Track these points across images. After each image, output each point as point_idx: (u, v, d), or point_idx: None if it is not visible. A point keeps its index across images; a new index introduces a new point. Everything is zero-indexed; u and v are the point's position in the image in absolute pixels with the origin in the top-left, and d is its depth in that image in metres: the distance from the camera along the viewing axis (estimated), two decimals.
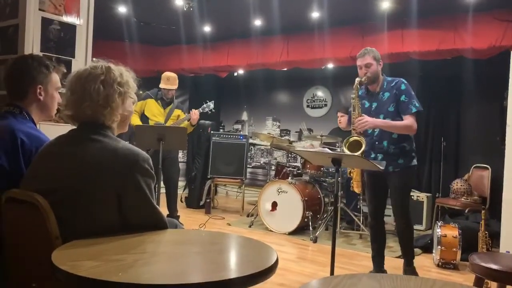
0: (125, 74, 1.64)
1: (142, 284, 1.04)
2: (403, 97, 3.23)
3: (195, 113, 4.75)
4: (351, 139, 3.24)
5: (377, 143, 3.33)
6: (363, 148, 3.16)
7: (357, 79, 3.29)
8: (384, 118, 3.28)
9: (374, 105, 3.35)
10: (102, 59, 1.64)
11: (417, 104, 3.22)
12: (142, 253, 1.31)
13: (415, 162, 3.34)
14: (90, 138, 1.52)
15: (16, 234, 1.48)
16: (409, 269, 3.39)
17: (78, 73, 1.60)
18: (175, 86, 4.94)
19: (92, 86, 1.54)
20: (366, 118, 3.21)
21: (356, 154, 3.06)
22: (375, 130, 3.33)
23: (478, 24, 4.72)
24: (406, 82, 3.29)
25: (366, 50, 3.32)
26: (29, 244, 1.44)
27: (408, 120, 3.20)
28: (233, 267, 1.33)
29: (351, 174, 3.57)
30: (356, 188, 3.54)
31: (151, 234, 1.49)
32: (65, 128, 1.69)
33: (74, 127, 1.62)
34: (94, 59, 2.86)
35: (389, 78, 3.35)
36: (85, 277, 1.07)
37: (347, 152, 3.16)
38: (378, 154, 3.33)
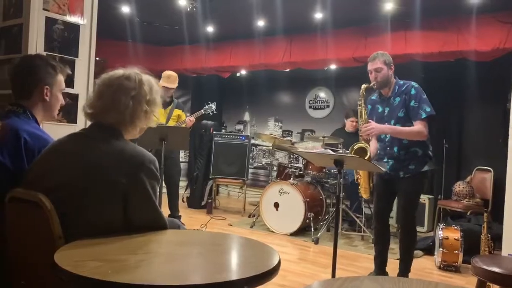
0: (154, 90, 1.65)
1: (146, 285, 1.04)
2: (412, 102, 3.14)
3: (191, 120, 4.80)
4: (356, 147, 3.22)
5: (388, 148, 3.26)
6: (368, 155, 3.13)
7: (363, 85, 3.25)
8: (394, 124, 3.20)
9: (387, 110, 3.28)
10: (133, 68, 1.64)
11: (427, 109, 3.11)
12: (145, 253, 1.31)
13: (428, 167, 3.22)
14: (100, 138, 1.53)
15: (19, 233, 1.48)
16: None
17: (111, 78, 1.60)
18: (175, 86, 4.94)
19: (123, 99, 1.55)
20: (372, 124, 3.16)
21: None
22: (387, 136, 3.25)
23: (482, 26, 4.72)
24: (417, 86, 3.20)
25: (376, 54, 3.25)
26: (32, 243, 1.44)
27: (417, 126, 3.11)
28: (236, 269, 1.33)
29: (359, 181, 3.51)
30: (364, 194, 3.49)
31: (153, 235, 1.49)
32: (68, 128, 1.70)
33: (80, 126, 1.62)
34: (97, 58, 2.89)
35: (401, 82, 3.26)
36: (88, 277, 1.07)
37: None
38: (389, 159, 3.26)
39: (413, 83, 3.23)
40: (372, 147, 3.34)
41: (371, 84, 3.23)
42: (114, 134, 1.56)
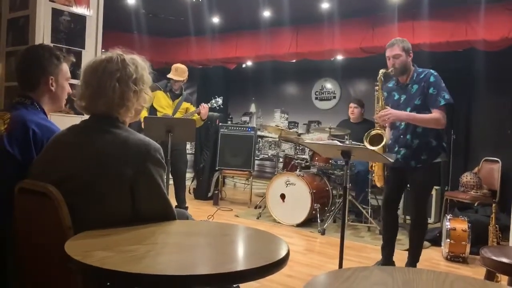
0: (140, 67, 1.61)
1: (155, 275, 1.05)
2: (431, 90, 3.09)
3: (204, 108, 4.76)
4: (372, 133, 3.17)
5: (401, 136, 3.22)
6: (384, 142, 3.10)
7: (381, 71, 3.20)
8: (411, 111, 3.15)
9: (403, 97, 3.23)
10: (115, 49, 1.61)
11: (446, 97, 3.07)
12: (153, 244, 1.32)
13: (440, 158, 3.18)
14: (102, 129, 1.52)
15: (29, 224, 1.49)
16: None
17: (93, 65, 1.57)
18: (182, 78, 4.92)
19: (108, 83, 1.52)
20: (389, 110, 3.11)
21: (377, 147, 3.00)
22: (402, 123, 3.21)
23: (490, 15, 4.66)
24: (436, 73, 3.15)
25: (395, 40, 3.20)
26: (42, 234, 1.45)
27: (435, 114, 3.06)
28: (244, 259, 1.33)
29: (373, 168, 3.50)
30: (378, 182, 3.46)
31: (162, 225, 1.50)
32: (75, 119, 1.70)
33: (86, 117, 1.62)
34: (103, 50, 2.89)
35: (420, 70, 3.21)
36: (98, 267, 1.08)
37: (368, 146, 3.09)
38: (401, 148, 3.22)
39: (432, 71, 3.18)
40: (388, 133, 3.30)
41: (389, 70, 3.18)
42: (113, 123, 1.54)
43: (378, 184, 3.49)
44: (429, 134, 3.14)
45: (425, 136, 3.14)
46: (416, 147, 3.16)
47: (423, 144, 3.15)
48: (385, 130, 3.20)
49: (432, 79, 3.12)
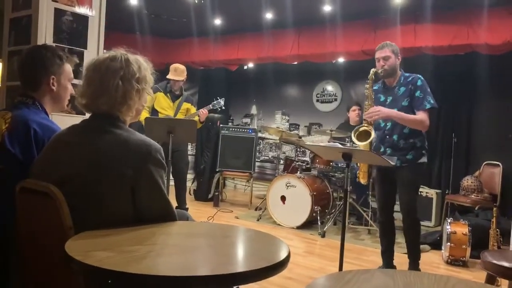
0: (143, 67, 1.61)
1: (155, 276, 1.05)
2: (418, 93, 3.21)
3: (204, 113, 4.77)
4: (361, 129, 3.25)
5: (387, 136, 3.31)
6: (371, 138, 3.16)
7: (373, 70, 3.29)
8: None
9: (389, 99, 3.33)
10: (118, 49, 1.61)
11: (431, 101, 3.19)
12: (154, 244, 1.32)
13: (424, 159, 3.29)
14: (103, 129, 1.52)
15: (30, 224, 1.49)
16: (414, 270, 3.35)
17: (96, 63, 1.56)
18: (182, 78, 4.92)
19: (111, 82, 1.51)
20: (379, 107, 3.20)
21: (364, 143, 3.09)
22: (387, 124, 3.30)
23: (493, 19, 4.66)
24: (422, 78, 3.27)
25: (385, 43, 3.31)
26: (43, 234, 1.44)
27: (421, 116, 3.18)
28: (245, 261, 1.33)
29: (358, 165, 3.55)
30: (362, 179, 3.51)
31: (163, 226, 1.49)
32: (77, 119, 1.70)
33: (87, 117, 1.61)
34: (104, 51, 2.89)
35: (407, 74, 3.33)
36: (99, 267, 1.07)
37: (356, 141, 3.19)
38: (387, 148, 3.31)
39: (419, 76, 3.30)
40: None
41: (379, 71, 3.27)
42: (113, 123, 1.53)
43: (363, 181, 3.53)
44: (414, 135, 3.25)
45: (410, 138, 3.25)
46: (402, 147, 3.26)
47: (409, 145, 3.26)
48: (372, 127, 3.25)
49: (419, 83, 3.25)
